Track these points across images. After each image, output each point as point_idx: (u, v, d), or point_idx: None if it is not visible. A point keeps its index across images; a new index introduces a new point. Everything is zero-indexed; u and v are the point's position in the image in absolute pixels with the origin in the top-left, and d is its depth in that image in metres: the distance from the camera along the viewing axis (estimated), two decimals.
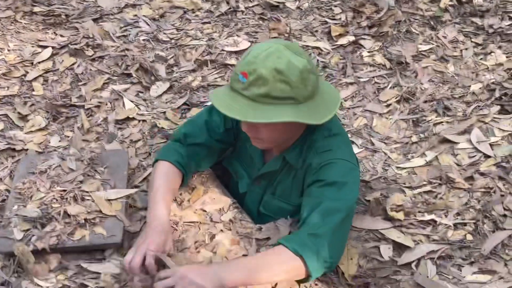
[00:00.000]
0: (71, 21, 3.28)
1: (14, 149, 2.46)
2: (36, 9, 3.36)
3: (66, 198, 2.09)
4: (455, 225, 2.14)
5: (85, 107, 2.70)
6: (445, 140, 2.51)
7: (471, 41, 3.02)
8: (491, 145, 2.46)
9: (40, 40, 3.13)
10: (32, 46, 3.09)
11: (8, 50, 3.05)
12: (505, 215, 2.15)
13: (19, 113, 2.66)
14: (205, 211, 2.19)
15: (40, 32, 3.20)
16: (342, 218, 1.84)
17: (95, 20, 3.29)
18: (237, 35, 3.17)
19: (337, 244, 1.85)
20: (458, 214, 2.18)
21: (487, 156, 2.42)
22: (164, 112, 2.70)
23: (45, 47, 3.07)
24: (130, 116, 2.67)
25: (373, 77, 2.88)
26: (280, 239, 1.86)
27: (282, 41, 1.87)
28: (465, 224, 2.15)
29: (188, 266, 1.80)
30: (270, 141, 1.96)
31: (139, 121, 2.65)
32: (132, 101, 2.75)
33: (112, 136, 2.58)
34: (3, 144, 2.47)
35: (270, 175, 2.11)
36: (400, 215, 2.18)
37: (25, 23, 3.26)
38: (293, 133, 1.97)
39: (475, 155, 2.44)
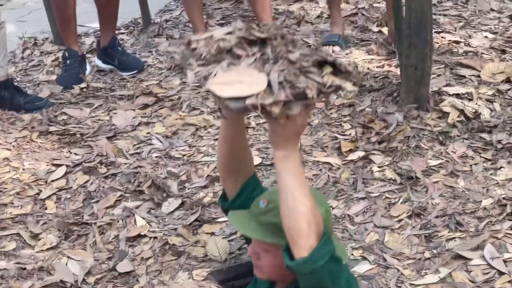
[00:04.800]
0: (85, 139, 3.36)
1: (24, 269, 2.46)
2: (51, 128, 3.44)
3: None
4: None
5: (97, 225, 2.72)
6: (458, 256, 2.49)
7: (480, 156, 3.05)
8: (504, 261, 2.43)
9: (54, 159, 3.19)
10: (47, 165, 3.15)
11: (23, 169, 3.11)
12: None
13: (31, 231, 2.68)
14: None
15: (55, 151, 3.27)
16: None
17: (109, 138, 3.36)
18: None
19: None
20: None
21: (501, 273, 2.39)
22: (176, 229, 2.70)
23: (59, 165, 3.13)
24: (142, 233, 2.68)
25: (384, 192, 2.89)
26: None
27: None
28: None
29: None
30: (269, 270, 1.97)
31: (151, 238, 2.66)
32: (143, 218, 2.77)
33: (123, 253, 2.58)
34: (13, 263, 2.48)
35: None
36: None
37: (40, 142, 3.33)
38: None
39: (489, 272, 2.41)
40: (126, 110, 3.64)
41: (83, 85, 3.92)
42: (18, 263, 2.49)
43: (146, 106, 3.68)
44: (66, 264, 2.51)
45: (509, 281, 2.34)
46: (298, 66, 1.78)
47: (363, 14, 4.52)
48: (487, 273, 2.39)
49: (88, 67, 4.13)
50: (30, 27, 4.98)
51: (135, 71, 4.07)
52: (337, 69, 1.79)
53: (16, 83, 3.88)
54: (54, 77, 4.08)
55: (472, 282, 2.36)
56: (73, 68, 4.00)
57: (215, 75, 1.80)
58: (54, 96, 3.83)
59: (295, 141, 1.80)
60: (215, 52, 1.86)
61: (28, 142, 3.33)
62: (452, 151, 3.07)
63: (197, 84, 3.87)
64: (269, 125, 1.84)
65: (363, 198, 2.88)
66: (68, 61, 4.03)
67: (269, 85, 1.74)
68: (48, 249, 2.59)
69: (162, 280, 2.43)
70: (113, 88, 3.92)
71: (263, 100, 1.70)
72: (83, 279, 2.43)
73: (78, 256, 2.55)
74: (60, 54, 4.28)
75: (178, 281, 2.43)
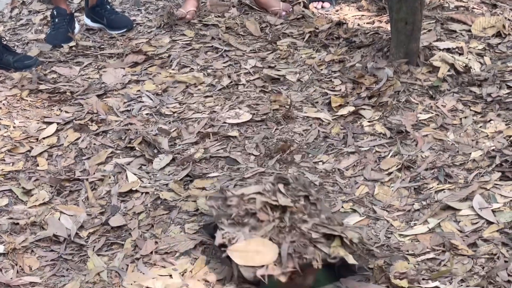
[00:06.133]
0: (76, 97, 3.35)
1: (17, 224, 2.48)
2: (41, 87, 3.43)
3: None
4: None
5: (89, 181, 2.73)
6: (448, 207, 2.51)
7: (470, 110, 3.06)
8: (493, 211, 2.46)
9: (45, 117, 3.19)
10: (37, 123, 3.14)
11: (14, 127, 3.11)
12: (509, 281, 2.13)
13: (23, 188, 2.69)
14: (207, 281, 2.18)
15: (46, 109, 3.26)
16: None
17: (99, 96, 3.36)
18: (238, 108, 3.22)
19: None
20: (462, 280, 2.17)
21: (490, 223, 2.42)
22: (167, 184, 2.72)
23: (50, 123, 3.12)
24: (133, 189, 2.69)
25: (374, 146, 2.91)
26: None
27: None
28: None
29: None
30: None
31: (142, 193, 2.67)
32: (135, 174, 2.78)
33: (115, 208, 2.59)
34: (6, 218, 2.49)
35: None
36: (404, 283, 2.16)
37: (30, 101, 3.32)
38: None
39: (478, 222, 2.43)
40: (116, 68, 3.63)
41: (72, 43, 3.90)
42: (10, 218, 2.50)
43: (136, 64, 3.67)
44: (59, 219, 2.53)
45: (497, 230, 2.37)
46: (309, 237, 2.12)
47: None
48: (476, 223, 2.42)
49: (77, 26, 4.10)
50: None
51: (124, 30, 4.04)
52: (343, 241, 2.13)
53: (5, 42, 3.85)
54: (43, 36, 4.05)
55: (460, 232, 2.39)
56: (62, 26, 3.97)
57: (237, 241, 2.14)
58: (43, 55, 3.81)
59: None
60: (243, 214, 2.22)
61: (18, 100, 3.32)
62: (442, 105, 3.08)
63: (187, 42, 3.87)
64: None
65: (353, 153, 2.89)
66: (56, 20, 3.99)
67: (280, 254, 2.06)
68: (40, 205, 2.60)
69: (154, 233, 2.45)
70: (103, 46, 3.90)
71: (272, 271, 2.02)
72: (76, 233, 2.45)
73: (70, 211, 2.57)
74: (48, 13, 4.24)
75: (170, 234, 2.45)
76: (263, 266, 2.04)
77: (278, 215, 2.22)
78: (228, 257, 2.13)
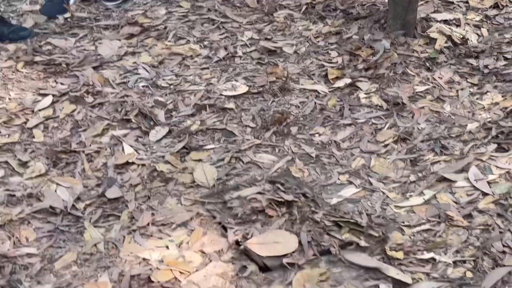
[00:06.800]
0: (71, 69, 3.33)
1: (13, 195, 2.48)
2: (37, 58, 3.41)
3: None
4: (454, 262, 2.13)
5: (85, 153, 2.72)
6: (443, 179, 2.52)
7: (467, 82, 3.06)
8: (489, 183, 2.47)
9: (41, 89, 3.17)
10: (33, 95, 3.13)
11: (9, 99, 3.09)
12: (504, 252, 2.15)
13: (19, 159, 2.69)
14: (204, 252, 2.19)
15: (41, 81, 3.25)
16: None
17: (95, 68, 3.34)
18: (235, 80, 3.21)
19: None
20: (457, 251, 2.18)
21: (485, 194, 2.43)
22: (163, 156, 2.72)
23: (45, 95, 3.11)
24: (130, 161, 2.69)
25: (370, 118, 2.91)
26: None
27: None
28: (464, 262, 2.14)
29: None
30: None
31: (138, 165, 2.67)
32: (131, 146, 2.77)
33: (111, 180, 2.59)
34: (2, 190, 2.49)
35: None
36: (399, 254, 2.17)
37: (26, 72, 3.30)
38: None
39: (473, 193, 2.44)
40: (112, 40, 3.61)
41: (67, 15, 3.87)
42: (7, 190, 2.50)
43: (131, 36, 3.65)
44: (55, 191, 2.52)
45: (492, 202, 2.38)
46: (322, 226, 2.24)
47: None
48: (471, 194, 2.43)
49: None
50: None
51: (120, 1, 4.01)
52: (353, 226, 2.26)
53: None
54: (38, 7, 4.01)
55: (456, 203, 2.40)
56: None
57: (251, 236, 2.22)
58: (38, 26, 3.79)
59: None
60: (249, 212, 2.32)
61: (13, 72, 3.30)
62: (438, 77, 3.07)
63: (183, 14, 3.84)
64: None
65: (349, 125, 2.89)
66: None
67: (300, 243, 2.17)
68: (36, 177, 2.60)
69: (150, 205, 2.45)
70: (98, 18, 3.88)
71: (297, 260, 2.13)
72: (73, 205, 2.45)
73: (67, 183, 2.56)
74: None
75: (167, 206, 2.45)
76: (286, 255, 2.15)
77: (285, 210, 2.33)
78: (244, 250, 2.20)
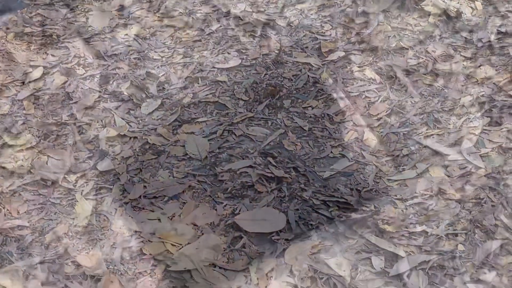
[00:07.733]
0: (62, 41, 3.30)
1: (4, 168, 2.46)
2: (27, 29, 3.37)
3: None
4: (446, 235, 2.14)
5: (76, 125, 2.71)
6: (436, 152, 2.51)
7: (461, 55, 3.04)
8: (481, 156, 2.47)
9: (31, 60, 3.14)
10: (23, 66, 3.10)
11: None
12: (496, 225, 2.15)
13: (10, 131, 2.66)
14: (196, 225, 2.19)
15: (32, 52, 3.21)
16: None
17: (86, 39, 3.30)
18: (228, 52, 3.18)
19: None
20: (449, 224, 2.18)
21: (478, 168, 2.42)
22: (155, 129, 2.70)
23: (36, 66, 3.08)
24: (121, 133, 2.67)
25: (364, 91, 2.89)
26: None
27: None
28: (456, 235, 2.14)
29: None
30: None
31: (130, 138, 2.65)
32: (123, 119, 2.76)
33: (103, 153, 2.58)
34: None
35: None
36: (391, 227, 2.18)
37: (16, 44, 3.27)
38: None
39: (466, 167, 2.44)
40: (103, 12, 3.56)
41: None
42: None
43: (123, 7, 3.60)
44: (47, 163, 2.51)
45: (485, 175, 2.38)
46: (310, 204, 2.26)
47: None
48: (464, 168, 2.43)
49: None
50: None
51: None
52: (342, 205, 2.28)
53: None
54: None
55: (449, 176, 2.40)
56: None
57: (240, 211, 2.23)
58: None
59: None
60: (239, 187, 2.32)
61: (3, 43, 3.26)
62: (432, 50, 3.06)
63: None
64: None
65: (342, 98, 2.88)
66: None
67: (288, 222, 2.19)
68: (27, 149, 2.58)
69: (142, 178, 2.45)
70: None
71: (285, 237, 2.14)
72: (64, 177, 2.44)
73: (58, 155, 2.55)
74: None
75: (158, 179, 2.45)
76: (272, 232, 2.17)
77: (275, 186, 2.32)
78: (233, 224, 2.20)
